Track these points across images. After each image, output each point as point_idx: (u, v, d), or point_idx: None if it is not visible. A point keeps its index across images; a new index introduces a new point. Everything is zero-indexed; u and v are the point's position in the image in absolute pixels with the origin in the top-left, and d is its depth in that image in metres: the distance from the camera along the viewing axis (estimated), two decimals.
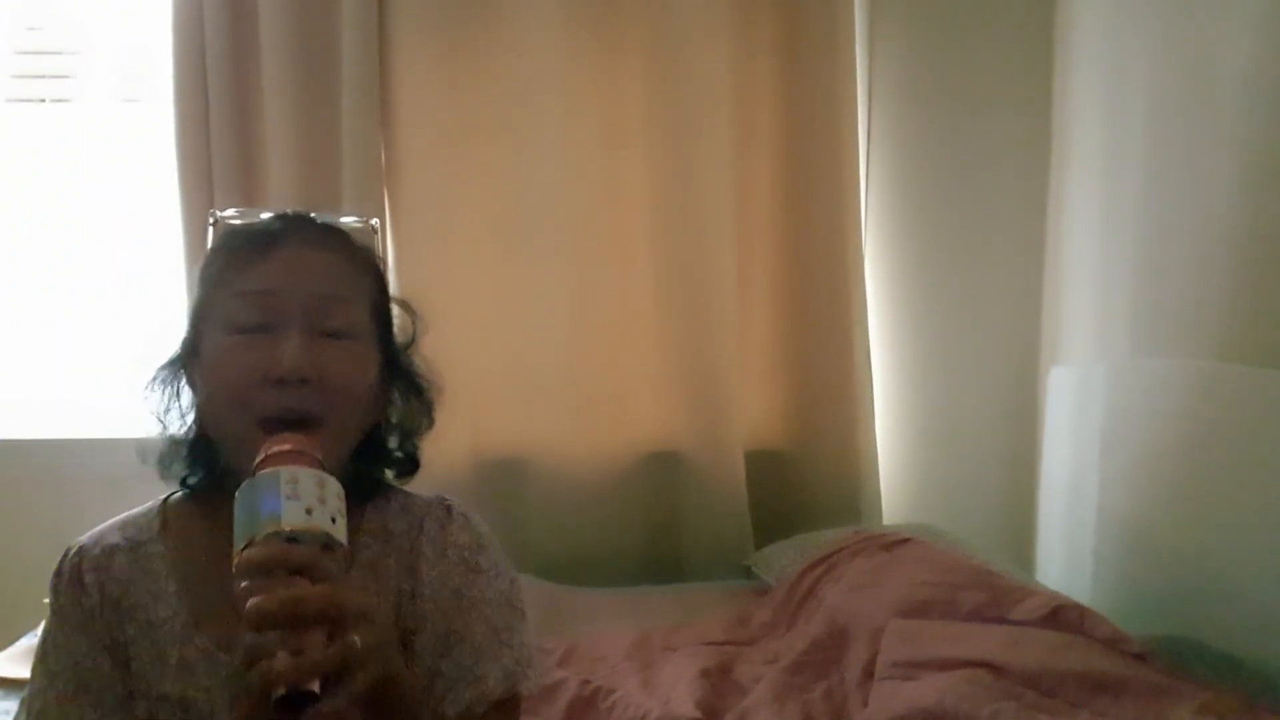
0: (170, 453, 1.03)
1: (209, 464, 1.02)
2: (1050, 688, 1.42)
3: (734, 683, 1.64)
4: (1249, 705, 1.38)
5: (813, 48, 2.26)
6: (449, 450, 2.20)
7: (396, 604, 1.02)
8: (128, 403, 1.03)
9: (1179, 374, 1.73)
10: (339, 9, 2.16)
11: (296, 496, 0.82)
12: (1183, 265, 1.74)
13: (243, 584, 0.80)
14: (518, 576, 1.08)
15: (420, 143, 2.22)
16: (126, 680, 0.98)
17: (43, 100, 2.42)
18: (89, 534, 1.03)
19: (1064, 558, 2.13)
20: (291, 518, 0.81)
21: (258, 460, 0.86)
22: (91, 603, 0.99)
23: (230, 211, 1.05)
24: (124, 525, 1.04)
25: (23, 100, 2.41)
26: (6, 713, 1.43)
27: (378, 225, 1.11)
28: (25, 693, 1.01)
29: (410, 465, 1.10)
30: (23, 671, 1.22)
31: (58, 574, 1.01)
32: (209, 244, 1.04)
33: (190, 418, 1.02)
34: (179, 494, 1.06)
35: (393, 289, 1.10)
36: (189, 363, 1.02)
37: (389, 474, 1.09)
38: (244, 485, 0.84)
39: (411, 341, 1.08)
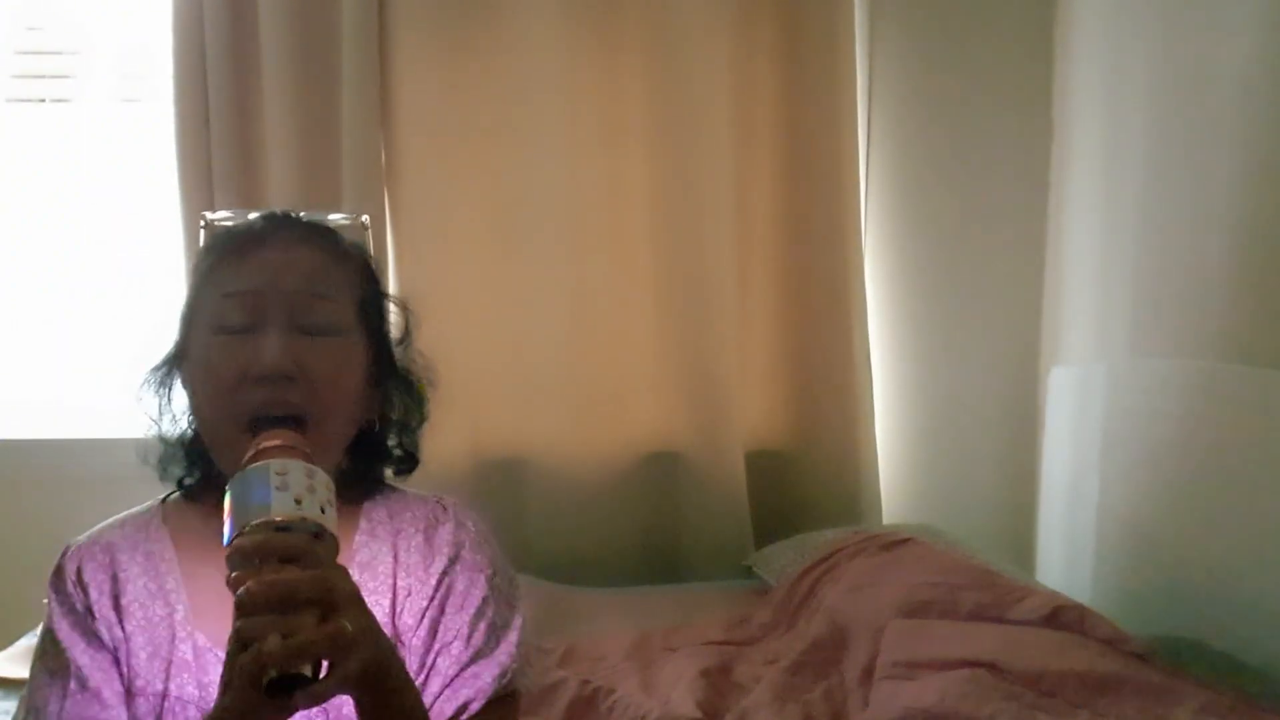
0: (167, 453, 1.04)
1: (205, 464, 1.02)
2: (1050, 688, 1.42)
3: (734, 683, 1.64)
4: (1249, 705, 1.38)
5: (813, 48, 2.26)
6: (449, 450, 2.20)
7: (393, 601, 1.02)
8: (127, 403, 1.04)
9: (1179, 374, 1.73)
10: (339, 9, 2.16)
11: (285, 487, 0.83)
12: (1183, 265, 1.74)
13: (233, 573, 0.81)
14: (515, 574, 1.09)
15: (420, 143, 2.22)
16: (125, 678, 0.99)
17: (43, 100, 2.42)
18: (87, 533, 1.04)
19: (1064, 558, 2.13)
20: (281, 507, 0.82)
21: (248, 455, 0.87)
22: (89, 601, 0.99)
23: (220, 213, 1.06)
24: (122, 524, 1.05)
25: (23, 100, 2.41)
26: (6, 713, 1.43)
27: (368, 221, 1.11)
28: (24, 692, 1.01)
29: (408, 462, 1.10)
30: (23, 671, 1.22)
31: (56, 572, 1.01)
32: (200, 245, 1.05)
33: (186, 418, 1.03)
34: (177, 494, 1.06)
35: (392, 288, 1.10)
36: (180, 364, 1.03)
37: (388, 471, 1.10)
38: (234, 478, 0.86)
39: (405, 337, 1.09)
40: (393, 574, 1.03)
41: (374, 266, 1.08)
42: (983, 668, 1.45)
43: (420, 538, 1.04)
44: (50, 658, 0.99)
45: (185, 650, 0.98)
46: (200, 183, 2.19)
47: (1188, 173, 1.73)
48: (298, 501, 0.83)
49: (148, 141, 2.33)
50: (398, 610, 1.02)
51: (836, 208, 2.28)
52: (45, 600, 1.02)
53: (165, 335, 1.04)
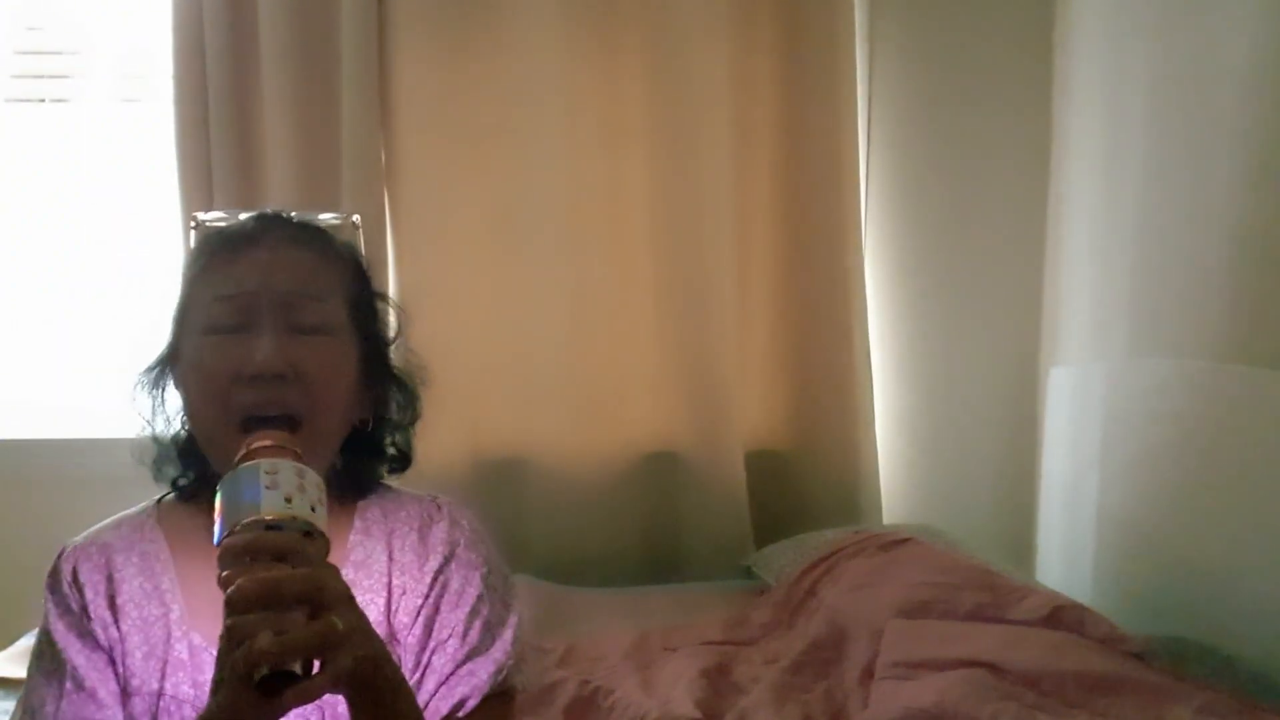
0: (162, 454, 1.04)
1: (200, 465, 1.03)
2: (1050, 688, 1.42)
3: (733, 683, 1.64)
4: (1249, 705, 1.38)
5: (813, 48, 2.26)
6: (449, 450, 2.20)
7: (388, 600, 1.02)
8: (126, 403, 1.04)
9: (1179, 374, 1.73)
10: (339, 9, 2.16)
11: (275, 486, 0.84)
12: (1183, 265, 1.74)
13: (224, 572, 0.82)
14: (510, 572, 1.09)
15: (420, 143, 2.22)
16: (120, 678, 0.99)
17: (43, 100, 2.42)
18: (83, 534, 1.04)
19: (1063, 558, 2.13)
20: (271, 506, 0.83)
21: (238, 456, 0.88)
22: (85, 601, 1.00)
23: (212, 214, 1.07)
24: (118, 525, 1.05)
25: (23, 100, 2.41)
26: (5, 712, 1.43)
27: (359, 221, 1.12)
28: (21, 692, 1.02)
29: (402, 461, 1.10)
30: (22, 671, 1.22)
31: (52, 573, 1.02)
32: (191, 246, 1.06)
33: (179, 419, 1.03)
34: (172, 494, 1.07)
35: (392, 288, 1.11)
36: (173, 365, 1.03)
37: (382, 470, 1.10)
38: (225, 478, 0.86)
39: (397, 336, 1.09)
40: (387, 572, 1.03)
41: (365, 266, 1.08)
42: (982, 668, 1.45)
43: (415, 536, 1.05)
44: (46, 658, 0.99)
45: (180, 650, 0.99)
46: (200, 183, 2.19)
47: (1187, 173, 1.73)
48: (288, 500, 0.83)
49: (148, 141, 2.34)
50: (393, 609, 1.02)
51: (836, 208, 2.28)
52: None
53: (158, 336, 1.04)
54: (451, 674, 1.00)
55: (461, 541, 1.05)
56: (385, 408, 1.07)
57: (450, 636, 1.01)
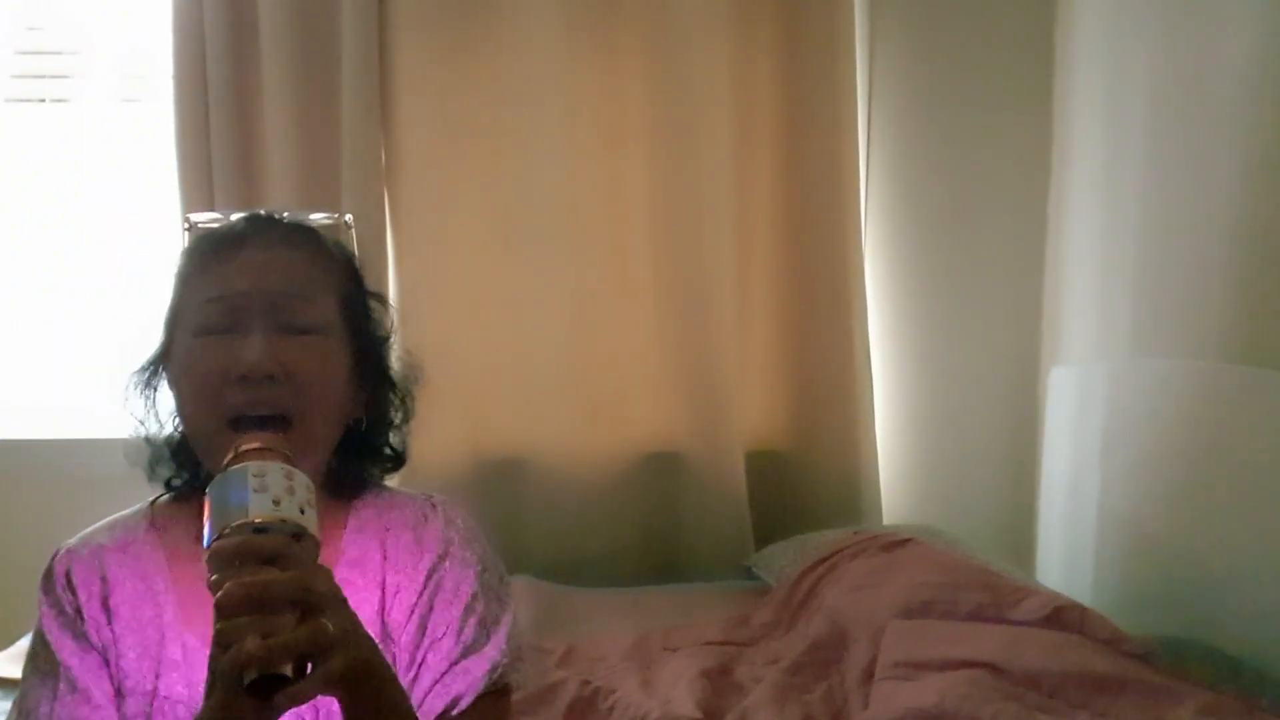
0: (155, 455, 1.04)
1: (193, 466, 1.03)
2: (1051, 688, 1.42)
3: (734, 683, 1.63)
4: (1249, 705, 1.38)
5: (813, 48, 2.26)
6: (449, 450, 2.20)
7: (382, 599, 1.02)
8: (121, 404, 1.04)
9: (1180, 374, 1.73)
10: (339, 9, 2.16)
11: (264, 489, 0.83)
12: (1183, 265, 1.74)
13: (213, 575, 0.81)
14: (505, 571, 1.09)
15: (420, 143, 2.22)
16: (114, 679, 0.99)
17: (43, 100, 2.42)
18: (77, 536, 1.04)
19: (1064, 558, 2.13)
20: (259, 508, 0.82)
21: (227, 459, 0.87)
22: (79, 603, 1.00)
23: (205, 216, 1.07)
24: (112, 526, 1.05)
25: (23, 100, 2.41)
26: (4, 713, 1.43)
27: (352, 221, 1.12)
28: (17, 694, 1.02)
29: (396, 460, 1.10)
30: (21, 671, 1.22)
31: (47, 575, 1.02)
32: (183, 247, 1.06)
33: (173, 420, 1.03)
34: (166, 495, 1.07)
35: (392, 288, 1.11)
36: (165, 366, 1.03)
37: (377, 470, 1.10)
38: (213, 481, 0.86)
39: (390, 335, 1.09)
40: (381, 571, 1.03)
41: (357, 265, 1.08)
42: (983, 668, 1.45)
43: (409, 535, 1.05)
44: (40, 660, 1.00)
45: (174, 650, 0.99)
46: (200, 183, 2.19)
47: (1188, 172, 1.73)
48: (276, 503, 0.83)
49: (148, 141, 2.33)
50: (387, 607, 1.02)
51: (836, 208, 2.27)
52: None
53: (150, 337, 1.04)
54: (446, 672, 1.00)
55: (456, 540, 1.05)
56: (379, 407, 1.07)
57: (445, 634, 1.01)
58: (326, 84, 2.20)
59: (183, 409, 1.00)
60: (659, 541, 2.32)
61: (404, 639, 1.01)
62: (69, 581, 1.00)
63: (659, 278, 2.28)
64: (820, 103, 2.26)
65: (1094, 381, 2.01)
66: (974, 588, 1.70)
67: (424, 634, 1.01)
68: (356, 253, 1.10)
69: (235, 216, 1.05)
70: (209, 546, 0.83)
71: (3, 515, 2.29)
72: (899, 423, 2.42)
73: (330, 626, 0.80)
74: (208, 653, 0.94)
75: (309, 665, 0.80)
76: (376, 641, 0.91)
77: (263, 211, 1.05)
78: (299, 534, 0.84)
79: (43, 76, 2.41)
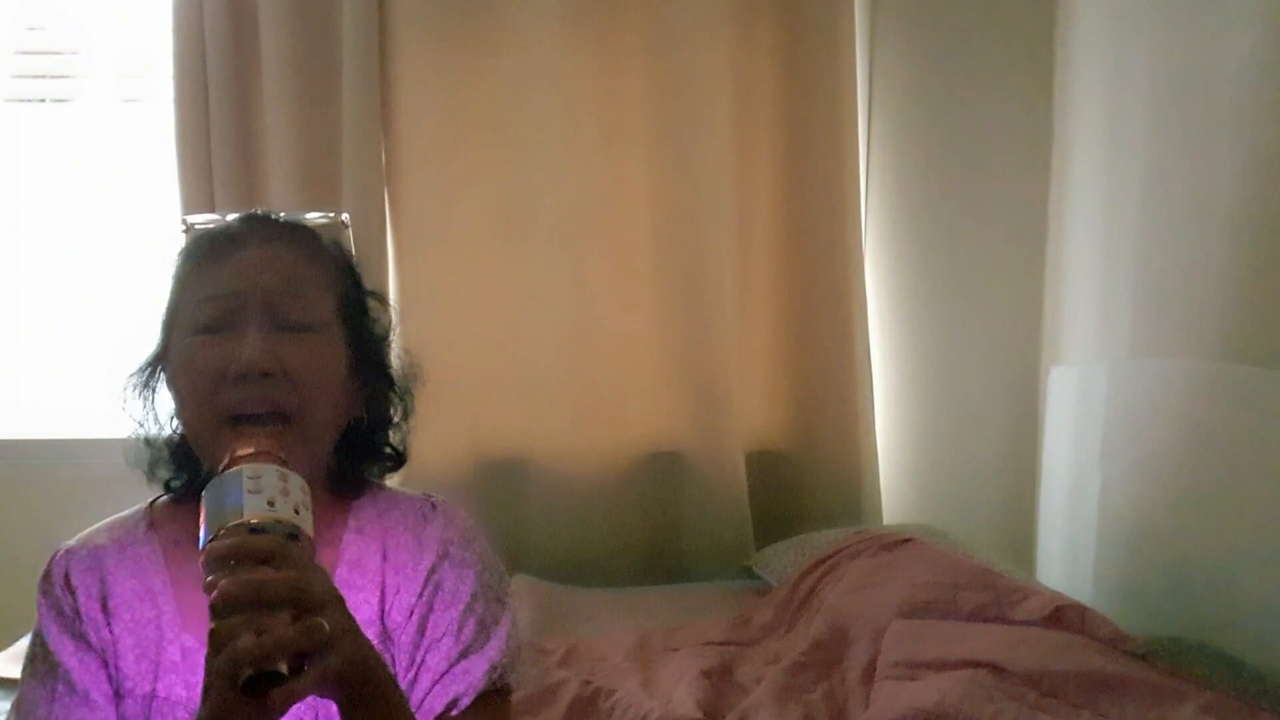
0: (154, 456, 1.04)
1: (192, 466, 1.03)
2: (1052, 688, 1.42)
3: (735, 683, 1.63)
4: (1249, 705, 1.38)
5: (813, 48, 2.26)
6: (450, 450, 2.20)
7: (381, 599, 1.02)
8: (119, 405, 1.04)
9: (1180, 374, 1.73)
10: (339, 9, 2.16)
11: (259, 490, 0.84)
12: (1183, 265, 1.73)
13: (209, 576, 0.82)
14: (504, 571, 1.09)
15: (420, 143, 2.22)
16: (113, 679, 0.99)
17: (43, 100, 2.42)
18: (77, 537, 1.05)
19: (1065, 558, 2.13)
20: (253, 509, 0.83)
21: (223, 464, 0.88)
22: (78, 604, 1.00)
23: (201, 217, 1.07)
24: (110, 527, 1.05)
25: (23, 100, 2.41)
26: (2, 714, 1.43)
27: (348, 220, 1.12)
28: (16, 694, 1.02)
29: (396, 459, 1.10)
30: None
31: (45, 576, 1.02)
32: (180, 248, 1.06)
33: (171, 421, 1.03)
34: (165, 496, 1.07)
35: (392, 288, 1.10)
36: (162, 366, 1.03)
37: (376, 469, 1.10)
38: (209, 484, 0.87)
39: (389, 334, 1.09)
40: (381, 571, 1.03)
41: (354, 264, 1.08)
42: (984, 668, 1.45)
43: (409, 535, 1.05)
44: (39, 661, 1.00)
45: (173, 651, 0.99)
46: (200, 183, 2.19)
47: (1188, 172, 1.73)
48: (270, 504, 0.83)
49: (148, 141, 2.33)
50: (386, 607, 1.02)
51: (836, 208, 2.28)
52: None
53: (150, 338, 1.04)
54: (446, 672, 1.00)
55: (455, 540, 1.05)
56: (378, 406, 1.07)
57: (444, 635, 1.01)
58: (326, 84, 2.20)
59: (181, 408, 1.00)
60: (659, 541, 2.32)
61: (403, 639, 1.01)
62: (68, 582, 1.00)
63: (659, 277, 2.28)
64: (820, 103, 2.26)
65: (1094, 381, 2.01)
66: (975, 587, 1.70)
67: (423, 634, 1.01)
68: (354, 251, 1.10)
69: (231, 217, 1.05)
70: (204, 547, 0.83)
71: (3, 515, 2.29)
72: (899, 423, 2.42)
73: (326, 625, 0.80)
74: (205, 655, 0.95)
75: (305, 665, 0.80)
76: (375, 642, 0.91)
77: (259, 211, 1.06)
78: (294, 534, 0.84)
79: (43, 76, 2.42)
